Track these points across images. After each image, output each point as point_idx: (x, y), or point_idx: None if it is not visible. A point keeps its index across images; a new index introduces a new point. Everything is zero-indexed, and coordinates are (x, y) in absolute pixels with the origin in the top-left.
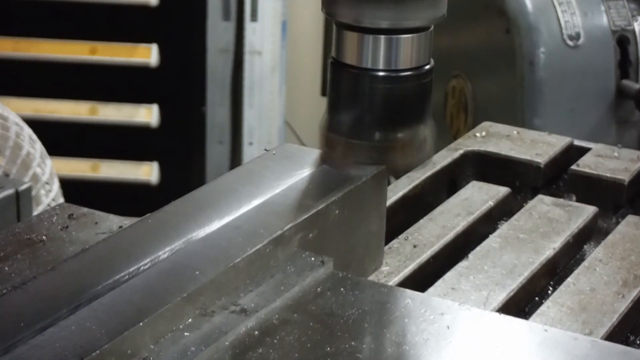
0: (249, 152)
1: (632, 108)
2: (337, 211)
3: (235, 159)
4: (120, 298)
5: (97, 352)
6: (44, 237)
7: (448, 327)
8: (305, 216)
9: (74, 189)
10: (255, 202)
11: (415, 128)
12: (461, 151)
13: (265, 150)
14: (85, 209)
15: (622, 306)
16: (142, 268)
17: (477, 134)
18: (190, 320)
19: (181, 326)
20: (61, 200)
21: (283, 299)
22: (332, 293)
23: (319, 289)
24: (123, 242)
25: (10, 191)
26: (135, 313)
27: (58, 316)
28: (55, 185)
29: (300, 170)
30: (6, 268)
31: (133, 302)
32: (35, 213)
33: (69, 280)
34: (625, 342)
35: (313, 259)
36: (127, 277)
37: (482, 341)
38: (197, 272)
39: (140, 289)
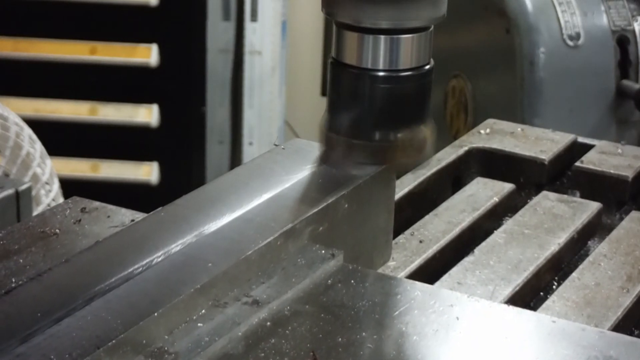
0: (249, 152)
1: (632, 108)
2: (346, 205)
3: (235, 159)
4: (135, 289)
5: (113, 341)
6: (57, 230)
7: (457, 318)
8: (316, 210)
9: (74, 189)
10: (266, 196)
11: (415, 128)
12: (466, 148)
13: (275, 145)
14: (97, 203)
15: (627, 300)
16: (155, 260)
17: (482, 131)
18: (203, 311)
19: (195, 317)
20: (61, 200)
21: (294, 290)
22: (343, 285)
23: (329, 281)
24: (136, 235)
25: (10, 191)
26: (150, 304)
27: (74, 307)
28: (55, 185)
29: (310, 165)
30: (21, 260)
31: (147, 293)
32: (35, 213)
33: (83, 272)
34: (630, 336)
35: (323, 251)
36: (140, 269)
37: (491, 332)
38: (209, 265)
39: (154, 280)
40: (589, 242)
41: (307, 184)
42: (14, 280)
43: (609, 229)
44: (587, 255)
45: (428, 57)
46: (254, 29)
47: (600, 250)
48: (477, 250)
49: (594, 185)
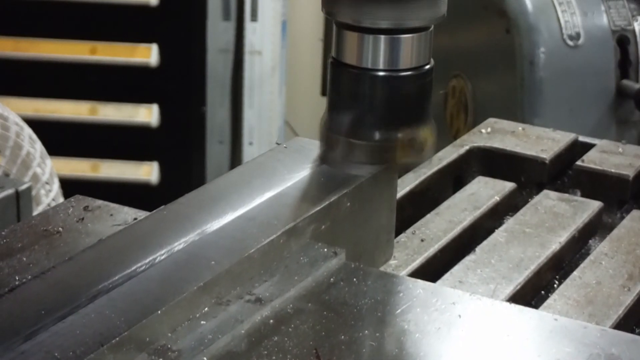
0: (249, 152)
1: (632, 108)
2: (348, 204)
3: (235, 159)
4: (138, 287)
5: (117, 339)
6: (60, 228)
7: (459, 316)
8: (318, 208)
9: (74, 189)
10: (269, 194)
11: (415, 128)
12: (467, 147)
13: (277, 144)
14: (100, 201)
15: (628, 299)
16: (158, 259)
17: (483, 130)
18: (206, 309)
19: (198, 315)
20: (61, 200)
21: (297, 288)
22: (345, 283)
23: (332, 279)
24: (139, 234)
25: (10, 191)
26: (153, 302)
27: (77, 305)
28: (55, 185)
29: (312, 163)
30: (24, 258)
31: (150, 291)
32: (35, 213)
33: (86, 270)
34: (632, 334)
35: (326, 250)
36: (143, 267)
37: (493, 330)
38: (212, 263)
39: (157, 278)
40: (590, 240)
41: (309, 182)
42: (17, 278)
43: (610, 227)
44: (588, 254)
45: (428, 57)
46: (254, 29)
47: (601, 249)
48: (478, 249)
49: (595, 184)
